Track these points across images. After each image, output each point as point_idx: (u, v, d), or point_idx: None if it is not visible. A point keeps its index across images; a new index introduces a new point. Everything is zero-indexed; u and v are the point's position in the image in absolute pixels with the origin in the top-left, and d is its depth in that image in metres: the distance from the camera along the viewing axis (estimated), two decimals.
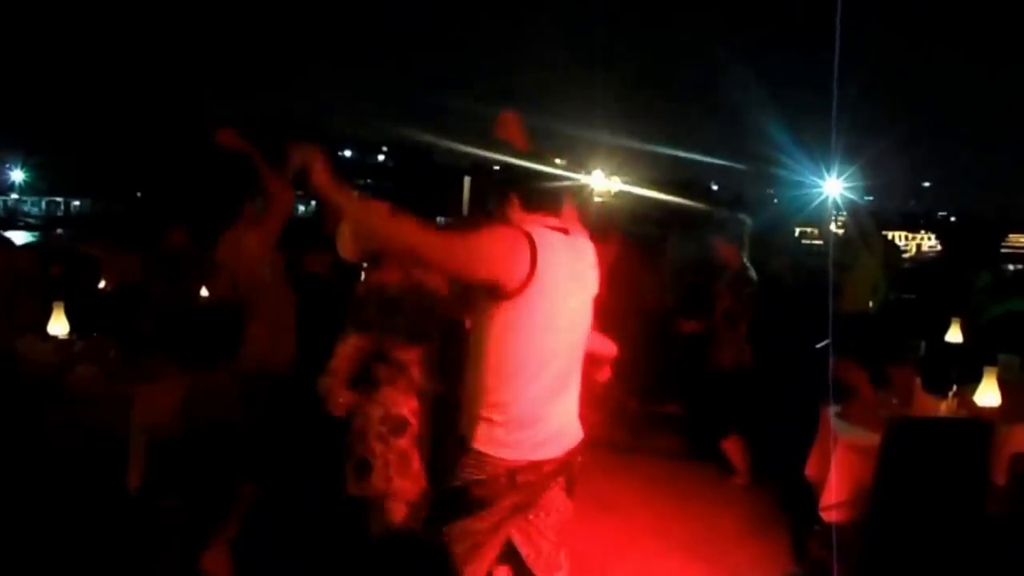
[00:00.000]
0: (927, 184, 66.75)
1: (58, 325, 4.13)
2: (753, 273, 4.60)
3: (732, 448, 4.60)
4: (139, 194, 37.74)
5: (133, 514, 3.44)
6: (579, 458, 2.17)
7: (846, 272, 5.26)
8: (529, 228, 2.02)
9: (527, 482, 2.04)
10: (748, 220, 4.78)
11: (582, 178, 2.26)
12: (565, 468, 2.13)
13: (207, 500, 3.45)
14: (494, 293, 1.99)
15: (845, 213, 5.80)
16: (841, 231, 5.83)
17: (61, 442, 3.53)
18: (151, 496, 3.46)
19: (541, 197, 2.11)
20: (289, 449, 3.61)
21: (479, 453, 2.02)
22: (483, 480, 2.01)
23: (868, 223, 5.42)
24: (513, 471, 2.01)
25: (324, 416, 2.97)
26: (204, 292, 5.87)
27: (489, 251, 1.97)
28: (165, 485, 3.51)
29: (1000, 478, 2.91)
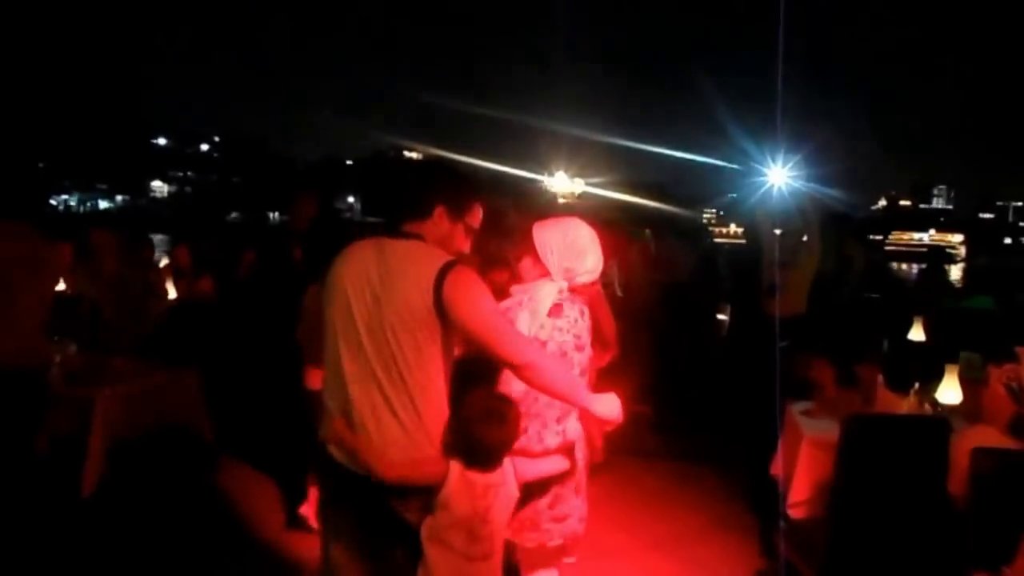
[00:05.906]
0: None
1: None
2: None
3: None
4: None
5: (87, 517, 3.37)
6: None
7: (784, 272, 5.12)
8: None
9: None
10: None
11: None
12: None
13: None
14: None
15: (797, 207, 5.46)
16: (780, 230, 5.44)
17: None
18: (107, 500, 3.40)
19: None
20: None
21: None
22: None
23: (814, 219, 5.29)
24: None
25: None
26: (171, 293, 5.77)
27: None
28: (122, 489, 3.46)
29: (959, 473, 2.94)
